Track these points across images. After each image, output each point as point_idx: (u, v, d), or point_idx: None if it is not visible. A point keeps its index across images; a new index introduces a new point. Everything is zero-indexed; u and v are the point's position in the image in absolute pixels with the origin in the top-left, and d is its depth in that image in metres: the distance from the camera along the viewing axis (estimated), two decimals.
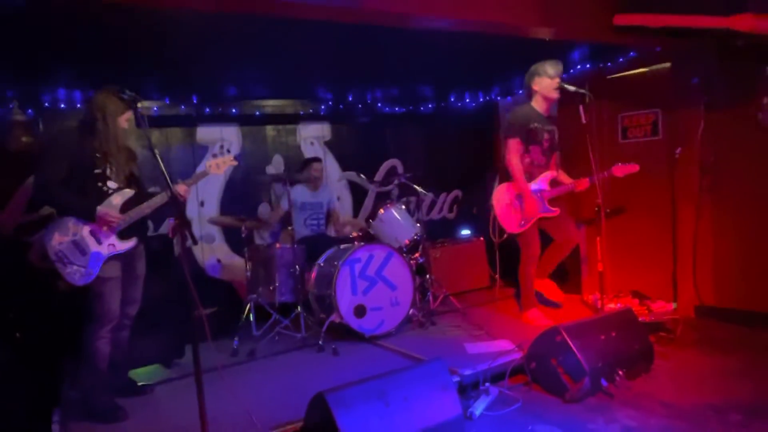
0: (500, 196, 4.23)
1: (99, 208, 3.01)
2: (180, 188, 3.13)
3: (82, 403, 3.14)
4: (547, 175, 4.21)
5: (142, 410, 3.15)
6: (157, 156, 2.37)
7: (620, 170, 4.05)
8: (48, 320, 3.71)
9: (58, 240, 2.97)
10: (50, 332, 3.69)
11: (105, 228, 3.03)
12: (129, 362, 3.50)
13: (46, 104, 4.25)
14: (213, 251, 5.10)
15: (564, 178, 4.32)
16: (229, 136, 5.15)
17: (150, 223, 4.70)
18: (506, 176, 4.23)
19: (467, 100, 6.31)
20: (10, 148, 4.02)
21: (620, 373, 3.20)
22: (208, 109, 4.94)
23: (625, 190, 4.77)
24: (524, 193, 4.13)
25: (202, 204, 5.04)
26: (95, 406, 3.08)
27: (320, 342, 4.00)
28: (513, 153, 4.13)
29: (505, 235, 4.26)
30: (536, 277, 4.43)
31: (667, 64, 4.55)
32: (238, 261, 5.09)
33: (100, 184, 3.07)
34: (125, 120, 3.10)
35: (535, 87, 4.11)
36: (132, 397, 3.30)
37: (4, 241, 4.12)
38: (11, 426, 3.12)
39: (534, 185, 4.17)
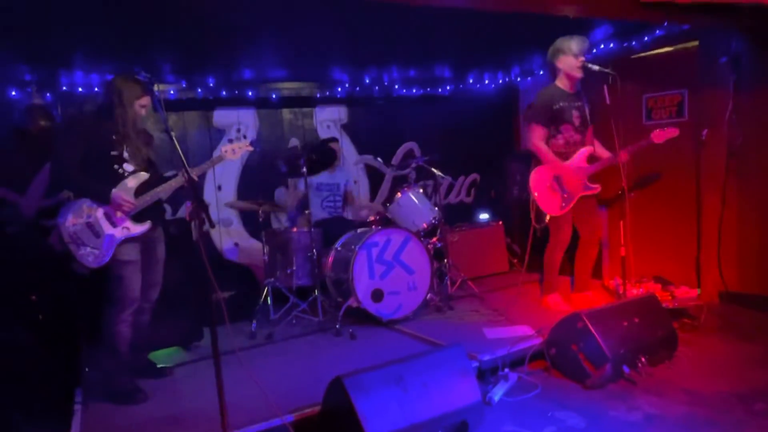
0: (538, 179, 4.06)
1: (114, 191, 3.02)
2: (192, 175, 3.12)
3: (103, 385, 3.18)
4: (584, 151, 4.04)
5: (161, 392, 3.18)
6: (174, 139, 2.35)
7: (659, 136, 3.87)
8: (70, 302, 3.75)
9: (72, 222, 2.99)
10: (72, 314, 3.73)
11: (119, 213, 3.05)
12: (149, 344, 3.54)
13: (64, 88, 4.26)
14: (230, 235, 5.11)
15: (602, 151, 4.16)
16: (246, 119, 5.13)
17: (168, 207, 4.73)
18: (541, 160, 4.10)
19: (486, 82, 6.19)
20: (29, 132, 4.04)
21: (643, 359, 3.15)
22: (224, 93, 4.91)
23: (650, 172, 4.67)
24: (562, 172, 4.00)
25: (219, 188, 5.04)
26: (116, 388, 3.12)
27: (337, 326, 3.99)
28: (536, 138, 4.03)
29: (547, 219, 4.10)
30: (579, 291, 4.33)
31: (695, 43, 4.40)
32: (255, 245, 5.10)
33: (116, 166, 3.08)
34: (141, 105, 3.10)
35: (559, 65, 3.98)
36: (152, 379, 3.34)
37: (26, 225, 4.17)
38: (35, 405, 3.17)
39: (572, 163, 4.02)
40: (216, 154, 3.38)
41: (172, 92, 4.71)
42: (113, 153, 3.07)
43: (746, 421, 2.63)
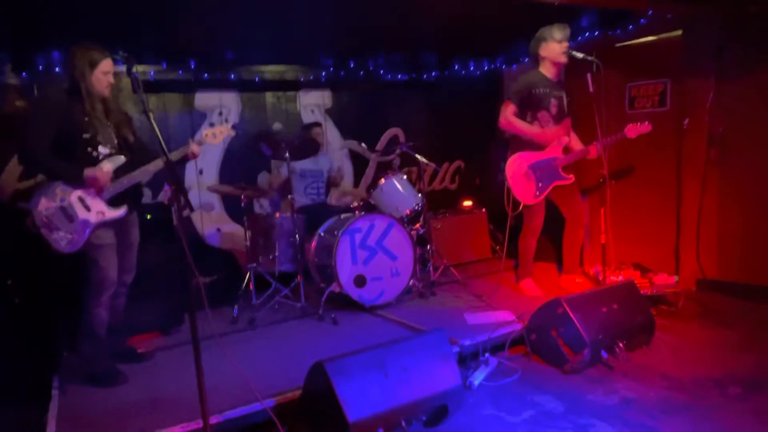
0: (513, 167, 4.09)
1: (87, 170, 2.90)
2: (194, 148, 3.08)
3: (81, 368, 3.15)
4: (560, 141, 4.06)
5: (140, 377, 3.15)
6: (152, 120, 2.30)
7: (633, 131, 3.93)
8: (47, 286, 3.69)
9: (44, 205, 2.89)
10: (49, 298, 3.68)
11: (93, 192, 2.94)
12: (128, 329, 3.50)
13: (41, 68, 4.15)
14: (212, 220, 5.06)
15: (576, 143, 4.19)
16: (228, 102, 5.06)
17: (148, 191, 4.67)
18: (518, 146, 4.11)
19: (471, 69, 6.17)
20: (2, 113, 3.94)
21: (621, 345, 3.20)
22: (206, 75, 4.82)
23: (631, 160, 4.71)
24: (538, 138, 4.00)
25: (201, 172, 4.97)
26: (95, 371, 3.09)
27: (320, 311, 3.99)
28: (506, 113, 4.02)
29: (521, 207, 4.15)
30: (568, 273, 4.36)
31: (678, 33, 4.42)
32: (237, 230, 5.06)
33: (89, 149, 2.96)
34: (103, 72, 2.93)
35: (543, 53, 3.98)
36: (132, 364, 3.31)
37: (2, 208, 4.08)
38: (12, 392, 3.14)
39: (547, 151, 4.05)
40: (197, 137, 3.32)
41: (152, 73, 4.61)
42: (85, 136, 2.94)
43: (721, 405, 2.69)
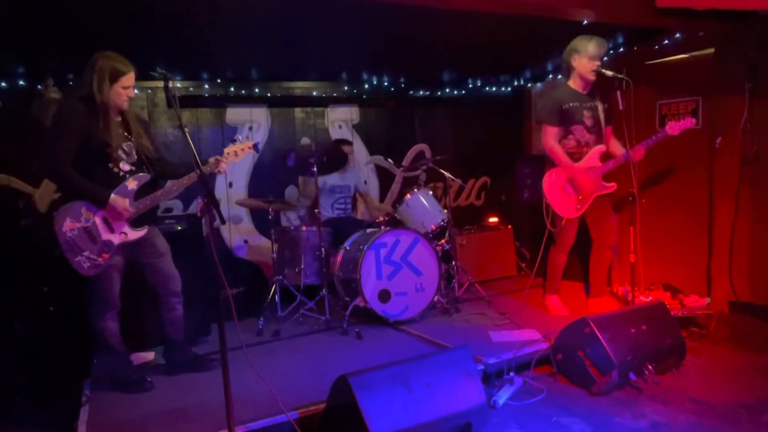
0: (551, 182, 3.99)
1: (112, 196, 2.86)
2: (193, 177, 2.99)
3: (109, 376, 3.22)
4: (597, 149, 3.95)
5: (168, 386, 3.20)
6: (187, 135, 2.35)
7: (675, 127, 3.76)
8: (80, 294, 3.79)
9: (69, 226, 2.83)
10: (81, 306, 3.77)
11: (115, 218, 2.91)
12: (189, 338, 3.51)
13: (71, 84, 4.29)
14: (240, 232, 5.14)
15: (617, 149, 4.04)
16: (258, 117, 5.15)
17: (180, 203, 4.77)
18: (554, 162, 4.03)
19: (498, 86, 6.19)
20: (42, 125, 4.07)
21: (650, 367, 3.14)
22: (237, 90, 4.94)
23: (662, 179, 4.65)
24: (575, 174, 3.94)
25: (230, 185, 5.07)
26: (121, 379, 3.15)
27: (344, 325, 4.00)
28: (549, 138, 3.96)
29: (563, 222, 4.02)
30: (595, 297, 4.27)
31: (710, 50, 4.37)
32: (264, 242, 5.12)
33: (110, 165, 2.90)
34: (123, 86, 2.84)
35: (574, 63, 3.90)
36: (200, 372, 3.31)
37: (40, 217, 4.21)
38: (44, 396, 3.22)
39: (584, 163, 3.95)
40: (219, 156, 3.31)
41: (190, 89, 4.75)
42: (107, 150, 2.85)
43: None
